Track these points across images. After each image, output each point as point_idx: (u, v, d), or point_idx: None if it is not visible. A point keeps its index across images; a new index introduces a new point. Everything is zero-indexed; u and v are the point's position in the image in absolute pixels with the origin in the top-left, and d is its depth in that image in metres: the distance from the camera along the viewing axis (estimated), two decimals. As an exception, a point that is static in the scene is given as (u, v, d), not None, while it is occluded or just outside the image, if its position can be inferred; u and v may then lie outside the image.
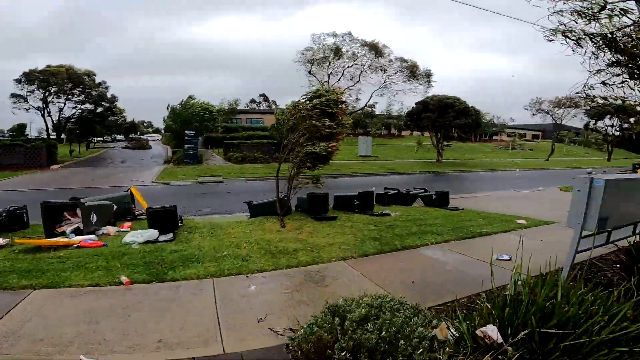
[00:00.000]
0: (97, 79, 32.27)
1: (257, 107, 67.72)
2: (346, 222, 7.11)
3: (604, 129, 46.67)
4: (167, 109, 30.58)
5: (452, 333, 2.35)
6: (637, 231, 4.61)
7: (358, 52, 30.32)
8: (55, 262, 4.63)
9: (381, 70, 30.33)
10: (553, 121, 45.74)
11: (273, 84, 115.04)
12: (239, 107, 48.57)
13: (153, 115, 79.97)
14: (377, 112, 47.62)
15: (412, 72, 30.60)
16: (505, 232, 6.53)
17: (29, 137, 34.45)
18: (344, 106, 6.72)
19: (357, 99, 33.36)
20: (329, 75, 31.34)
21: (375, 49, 30.05)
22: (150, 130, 72.93)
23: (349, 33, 30.14)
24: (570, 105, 42.34)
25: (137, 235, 5.70)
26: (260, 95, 78.61)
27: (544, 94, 58.90)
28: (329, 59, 30.71)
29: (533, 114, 44.97)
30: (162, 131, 52.34)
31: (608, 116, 43.93)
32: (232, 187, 15.75)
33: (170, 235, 5.93)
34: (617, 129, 45.31)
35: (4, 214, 6.36)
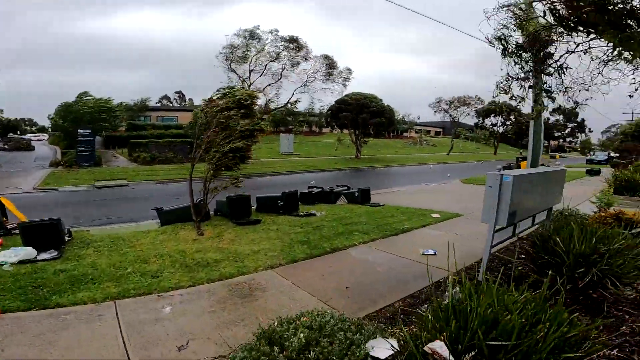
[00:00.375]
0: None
1: (170, 104, 62.56)
2: (271, 225, 6.72)
3: (490, 126, 54.28)
4: (58, 106, 26.18)
5: (395, 347, 2.18)
6: (535, 222, 5.18)
7: (280, 50, 29.98)
8: None
9: (304, 59, 30.44)
10: (451, 119, 51.53)
11: (192, 82, 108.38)
12: (149, 104, 44.08)
13: (43, 114, 67.71)
14: (299, 110, 47.91)
15: (331, 68, 31.34)
16: (424, 227, 6.86)
17: None
18: (258, 104, 6.32)
19: (276, 94, 32.96)
20: (250, 72, 30.30)
21: (296, 44, 29.98)
22: (34, 129, 61.78)
23: (276, 30, 29.61)
24: (459, 105, 48.43)
25: (9, 255, 4.61)
26: (176, 93, 72.88)
27: (449, 94, 66.15)
28: (251, 56, 29.73)
29: (435, 112, 50.24)
30: (50, 130, 44.72)
31: (493, 115, 51.33)
32: (139, 192, 14.04)
33: (55, 252, 4.88)
34: (501, 126, 53.19)
35: None
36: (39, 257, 4.68)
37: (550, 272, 3.74)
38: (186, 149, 24.92)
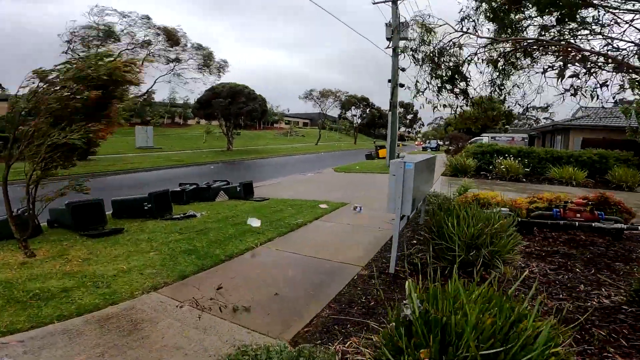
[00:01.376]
0: None
1: None
2: (139, 234, 5.34)
3: (351, 117, 60.06)
4: None
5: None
6: (416, 208, 5.51)
7: (151, 39, 25.54)
8: None
9: (175, 60, 26.83)
10: (320, 110, 54.74)
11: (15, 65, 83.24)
12: None
13: None
14: (157, 100, 42.35)
15: (207, 60, 28.69)
16: (317, 220, 6.63)
17: None
18: (130, 75, 4.60)
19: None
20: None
21: (170, 36, 26.08)
22: None
23: (147, 17, 24.84)
24: (328, 96, 52.13)
25: None
26: None
27: (316, 87, 69.59)
28: (102, 40, 24.30)
29: (306, 100, 52.84)
30: None
31: (353, 107, 56.82)
32: None
33: None
34: (360, 117, 59.40)
35: None
36: None
37: (445, 257, 3.94)
38: (-4, 143, 18.98)
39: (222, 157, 25.49)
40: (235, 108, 28.80)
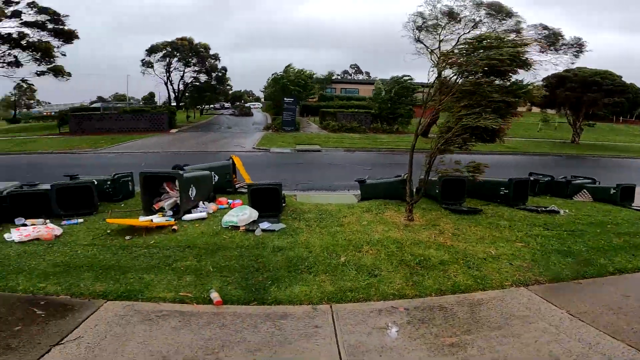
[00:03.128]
0: (212, 52, 35.75)
1: (349, 78, 66.22)
2: (497, 219, 5.21)
3: None
4: (269, 78, 31.22)
5: None
6: None
7: (480, 17, 25.51)
8: (140, 257, 3.72)
9: (515, 32, 25.01)
10: None
11: (370, 57, 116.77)
12: (333, 77, 48.04)
13: (258, 86, 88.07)
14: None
15: (555, 38, 24.55)
16: None
17: (157, 104, 39.92)
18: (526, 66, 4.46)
19: None
20: (439, 42, 27.31)
21: (500, 10, 24.82)
22: (251, 98, 77.16)
23: None
24: None
25: (236, 215, 4.74)
26: (352, 66, 76.37)
27: None
28: (442, 25, 26.57)
29: None
30: (263, 100, 54.96)
31: None
32: (331, 158, 14.70)
33: (276, 223, 4.75)
34: None
35: (108, 182, 5.87)
36: (260, 225, 4.60)
37: None
38: (369, 120, 25.42)
39: (564, 150, 21.34)
40: (592, 97, 22.77)
